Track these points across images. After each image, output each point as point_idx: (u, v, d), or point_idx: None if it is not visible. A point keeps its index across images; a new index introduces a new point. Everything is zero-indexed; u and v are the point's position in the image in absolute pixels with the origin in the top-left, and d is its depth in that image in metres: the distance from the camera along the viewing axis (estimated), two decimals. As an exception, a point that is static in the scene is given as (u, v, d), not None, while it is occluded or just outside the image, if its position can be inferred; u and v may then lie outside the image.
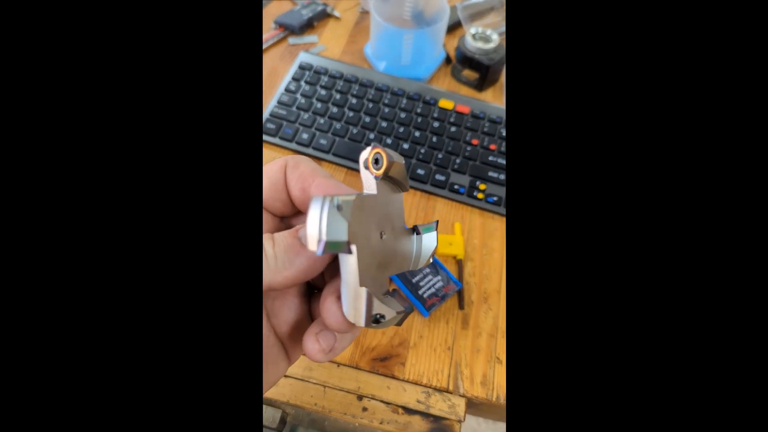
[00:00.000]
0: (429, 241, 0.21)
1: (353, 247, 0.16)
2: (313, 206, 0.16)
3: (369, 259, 0.18)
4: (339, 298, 0.17)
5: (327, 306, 0.18)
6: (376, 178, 0.19)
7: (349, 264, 0.17)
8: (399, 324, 0.18)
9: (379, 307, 0.17)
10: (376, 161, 0.19)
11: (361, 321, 0.17)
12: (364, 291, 0.17)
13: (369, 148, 0.19)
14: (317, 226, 0.16)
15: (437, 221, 0.22)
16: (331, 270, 0.20)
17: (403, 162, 0.19)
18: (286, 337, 0.20)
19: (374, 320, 0.17)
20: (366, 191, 0.19)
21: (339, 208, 0.16)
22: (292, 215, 0.22)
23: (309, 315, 0.21)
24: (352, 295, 0.17)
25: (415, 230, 0.21)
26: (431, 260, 0.21)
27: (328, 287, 0.18)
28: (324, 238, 0.16)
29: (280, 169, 0.20)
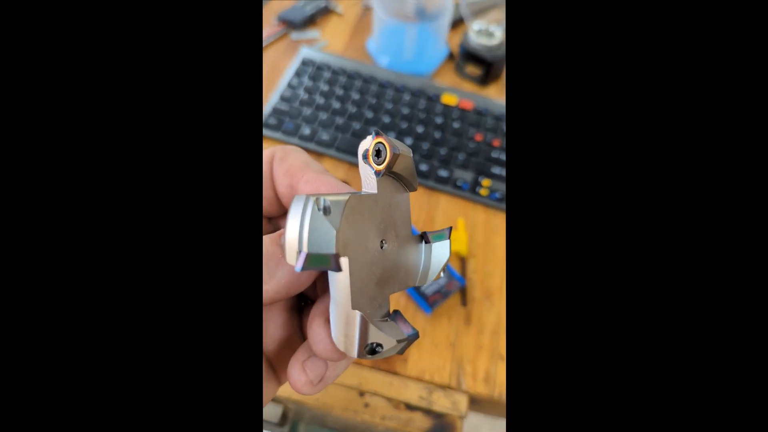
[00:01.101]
0: (440, 251, 0.17)
1: (344, 261, 0.13)
2: (293, 209, 0.13)
3: (366, 274, 0.15)
4: (329, 320, 0.15)
5: (315, 330, 0.15)
6: (377, 173, 0.15)
7: (340, 281, 0.14)
8: (401, 352, 0.15)
9: (375, 336, 0.14)
10: (378, 153, 0.15)
11: (353, 351, 0.14)
12: (357, 315, 0.14)
13: (370, 137, 0.15)
14: (297, 235, 0.13)
15: (450, 228, 0.18)
16: (323, 280, 0.17)
17: (411, 155, 0.16)
18: (273, 356, 0.18)
19: (370, 350, 0.14)
20: (365, 190, 0.16)
21: (326, 211, 0.13)
22: (281, 215, 0.19)
23: (300, 330, 0.19)
24: (342, 320, 0.14)
25: (423, 238, 0.18)
26: (442, 274, 0.18)
27: (317, 305, 0.16)
28: (305, 249, 0.13)
29: (266, 161, 0.17)
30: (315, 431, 0.42)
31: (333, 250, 0.13)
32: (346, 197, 0.14)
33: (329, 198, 0.13)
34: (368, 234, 0.15)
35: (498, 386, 0.39)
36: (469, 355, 0.40)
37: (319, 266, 0.13)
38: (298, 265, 0.13)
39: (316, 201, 0.13)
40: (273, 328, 0.18)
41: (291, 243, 0.13)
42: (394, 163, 0.15)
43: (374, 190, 0.16)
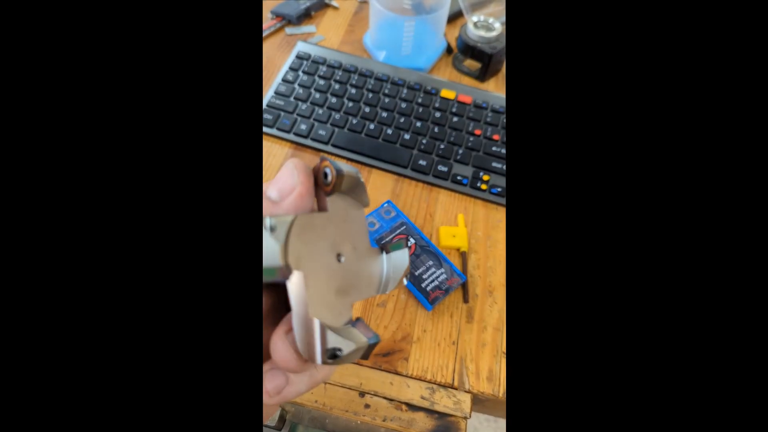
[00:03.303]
0: (399, 260, 0.19)
1: (296, 274, 0.15)
2: None
3: (323, 285, 0.16)
4: (288, 332, 0.16)
5: (273, 341, 0.15)
6: (326, 193, 0.17)
7: (297, 293, 0.15)
8: (365, 357, 0.16)
9: (335, 341, 0.15)
10: (325, 176, 0.17)
11: (316, 357, 0.15)
12: (316, 322, 0.15)
13: (317, 164, 0.17)
14: None
15: (407, 237, 0.20)
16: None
17: (356, 174, 0.18)
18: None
19: (330, 355, 0.15)
20: (320, 210, 0.18)
21: (272, 229, 0.15)
22: None
23: None
24: (303, 329, 0.15)
25: (383, 249, 0.19)
26: (404, 282, 0.19)
27: (283, 320, 0.16)
28: None
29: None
30: (314, 433, 0.41)
31: (280, 262, 0.14)
32: (291, 217, 0.15)
33: (275, 219, 0.15)
34: (322, 248, 0.16)
35: (502, 385, 0.38)
36: (472, 353, 0.39)
37: (270, 278, 0.14)
38: None
39: (263, 222, 0.15)
40: (268, 345, 0.18)
41: None
42: (341, 184, 0.17)
43: (326, 209, 0.17)
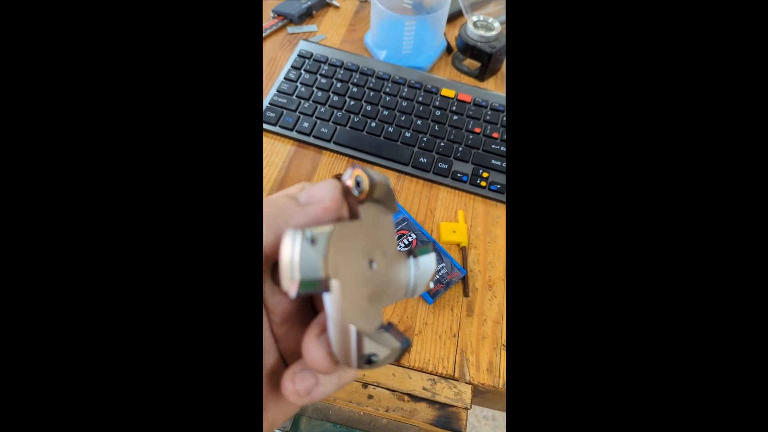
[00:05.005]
0: (427, 264, 0.19)
1: (335, 283, 0.15)
2: (285, 242, 0.15)
3: (357, 292, 0.16)
4: (321, 334, 0.16)
5: (306, 343, 0.16)
6: (360, 202, 0.17)
7: (334, 300, 0.15)
8: (397, 360, 0.16)
9: (371, 347, 0.15)
10: (358, 184, 0.17)
11: (352, 362, 0.15)
12: (352, 329, 0.15)
13: (349, 171, 0.17)
14: (289, 264, 0.14)
15: (434, 242, 0.19)
16: (320, 300, 0.18)
17: (387, 181, 0.18)
18: None
19: (366, 361, 0.15)
20: (351, 217, 0.18)
21: (313, 241, 0.15)
22: None
23: None
24: (339, 334, 0.15)
25: (410, 253, 0.19)
26: (431, 285, 0.19)
27: (314, 322, 0.17)
28: (297, 277, 0.14)
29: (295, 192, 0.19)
30: (317, 425, 0.42)
31: (321, 275, 0.15)
32: (329, 228, 0.15)
33: (315, 230, 0.15)
34: (356, 256, 0.17)
35: (502, 376, 0.39)
36: (472, 346, 0.40)
37: (311, 290, 0.14)
38: (292, 292, 0.14)
39: (303, 233, 0.15)
40: (295, 343, 0.18)
41: (285, 272, 0.14)
42: (373, 192, 0.17)
43: (358, 217, 0.17)
